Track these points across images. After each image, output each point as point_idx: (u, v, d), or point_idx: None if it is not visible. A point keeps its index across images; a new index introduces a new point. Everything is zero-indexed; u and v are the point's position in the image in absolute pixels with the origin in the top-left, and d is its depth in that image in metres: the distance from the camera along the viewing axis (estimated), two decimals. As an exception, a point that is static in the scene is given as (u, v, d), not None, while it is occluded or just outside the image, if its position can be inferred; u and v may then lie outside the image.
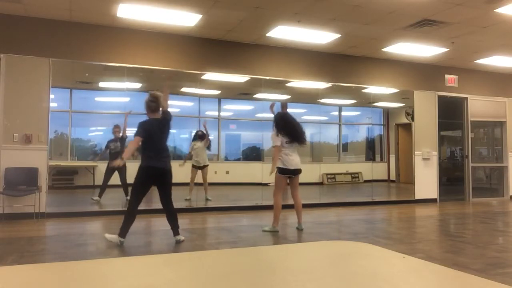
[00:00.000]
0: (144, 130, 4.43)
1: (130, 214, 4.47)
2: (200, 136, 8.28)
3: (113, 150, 7.53)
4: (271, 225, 5.33)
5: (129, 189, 7.40)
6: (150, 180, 4.54)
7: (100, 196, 7.44)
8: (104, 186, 7.50)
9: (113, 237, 4.43)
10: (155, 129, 4.49)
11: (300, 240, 5.00)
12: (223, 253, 4.13)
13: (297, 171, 5.41)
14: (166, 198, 4.62)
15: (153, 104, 4.52)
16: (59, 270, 3.40)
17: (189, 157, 8.25)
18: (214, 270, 3.28)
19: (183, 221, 6.23)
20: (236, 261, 3.68)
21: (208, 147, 8.42)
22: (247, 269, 3.33)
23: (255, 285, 2.85)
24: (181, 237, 4.62)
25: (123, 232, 4.42)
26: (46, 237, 5.23)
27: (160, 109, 4.58)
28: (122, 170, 7.48)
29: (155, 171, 4.48)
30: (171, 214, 4.64)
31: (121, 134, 7.64)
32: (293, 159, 5.36)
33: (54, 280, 3.06)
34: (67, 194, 8.91)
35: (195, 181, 7.98)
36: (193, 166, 8.03)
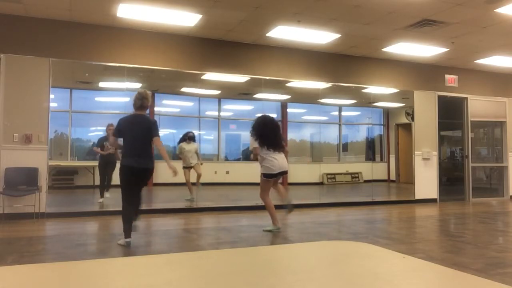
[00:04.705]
0: (117, 129, 4.54)
1: (125, 214, 4.46)
2: (191, 138, 8.07)
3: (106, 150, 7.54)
4: (272, 224, 5.33)
5: (109, 189, 7.49)
6: (130, 177, 4.46)
7: (102, 195, 7.45)
8: (102, 185, 7.52)
9: (122, 241, 4.44)
10: (131, 125, 4.49)
11: (300, 240, 5.00)
12: (223, 253, 4.13)
13: (282, 173, 5.40)
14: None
15: (138, 101, 4.53)
16: (59, 270, 3.41)
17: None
18: (214, 270, 3.28)
19: (183, 221, 6.27)
20: (236, 261, 3.68)
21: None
22: (247, 269, 3.33)
23: (255, 285, 2.85)
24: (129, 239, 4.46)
25: (127, 232, 4.41)
26: (46, 237, 5.23)
27: (146, 108, 4.61)
28: (110, 168, 7.46)
29: (130, 169, 4.43)
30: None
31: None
32: (278, 162, 5.30)
33: (54, 280, 3.06)
34: (67, 194, 8.92)
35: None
36: (184, 167, 7.93)
